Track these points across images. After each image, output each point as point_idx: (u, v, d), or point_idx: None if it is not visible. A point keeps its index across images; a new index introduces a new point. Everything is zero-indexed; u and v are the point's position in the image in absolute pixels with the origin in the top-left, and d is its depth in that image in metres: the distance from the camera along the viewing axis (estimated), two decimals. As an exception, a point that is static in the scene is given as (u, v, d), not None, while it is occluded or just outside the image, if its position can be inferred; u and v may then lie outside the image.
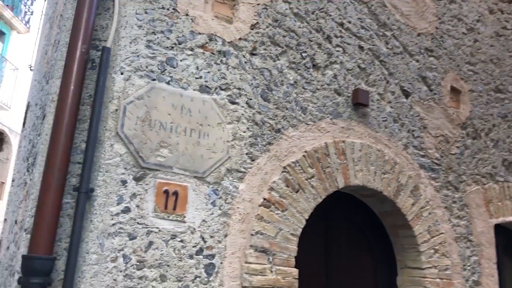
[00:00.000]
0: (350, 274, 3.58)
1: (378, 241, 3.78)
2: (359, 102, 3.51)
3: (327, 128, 3.38)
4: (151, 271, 2.52)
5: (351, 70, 3.62)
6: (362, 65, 3.69)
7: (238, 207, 2.87)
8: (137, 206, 2.55)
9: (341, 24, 3.64)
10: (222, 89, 2.97)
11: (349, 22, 3.69)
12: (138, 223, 2.54)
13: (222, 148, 2.89)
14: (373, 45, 3.79)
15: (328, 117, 3.41)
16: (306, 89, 3.34)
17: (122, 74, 2.66)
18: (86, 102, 2.55)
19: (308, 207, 3.09)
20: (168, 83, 2.78)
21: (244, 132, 3.00)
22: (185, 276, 2.61)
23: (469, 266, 3.88)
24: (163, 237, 2.59)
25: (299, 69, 3.34)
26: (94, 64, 2.61)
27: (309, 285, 3.29)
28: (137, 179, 2.58)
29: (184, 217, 2.67)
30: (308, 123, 3.30)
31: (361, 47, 3.72)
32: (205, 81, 2.92)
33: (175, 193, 2.67)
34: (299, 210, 3.04)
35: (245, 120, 3.02)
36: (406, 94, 3.92)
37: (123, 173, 2.55)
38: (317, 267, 3.44)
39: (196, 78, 2.89)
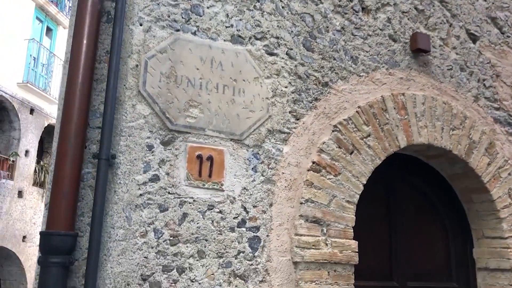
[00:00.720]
0: (417, 246, 3.11)
1: (447, 208, 3.29)
2: (419, 48, 3.03)
3: (383, 80, 2.92)
4: (187, 246, 2.20)
5: (407, 12, 3.12)
6: (420, 7, 3.18)
7: (283, 173, 2.50)
8: (167, 173, 2.24)
9: (393, -40, 3.14)
10: (257, 39, 2.58)
11: (402, -43, 3.18)
12: (169, 192, 2.22)
13: (261, 106, 2.51)
14: (431, -17, 3.26)
15: (383, 66, 2.95)
16: (355, 35, 2.89)
17: (141, 25, 2.33)
18: (103, 60, 2.25)
19: (365, 170, 2.67)
20: (194, 33, 2.43)
21: (286, 87, 2.61)
22: (227, 252, 2.27)
23: (560, 233, 3.30)
24: (199, 208, 2.26)
25: (346, 13, 2.89)
26: (110, 16, 2.30)
27: (371, 258, 2.87)
28: (165, 144, 2.26)
29: (222, 185, 2.33)
30: (360, 74, 2.86)
31: (417, -14, 3.21)
32: (237, 30, 2.54)
33: (210, 158, 2.33)
34: (354, 174, 2.63)
35: (286, 74, 2.63)
36: (474, 39, 3.37)
37: (149, 137, 2.24)
38: (379, 238, 3.00)
39: (227, 27, 2.52)
